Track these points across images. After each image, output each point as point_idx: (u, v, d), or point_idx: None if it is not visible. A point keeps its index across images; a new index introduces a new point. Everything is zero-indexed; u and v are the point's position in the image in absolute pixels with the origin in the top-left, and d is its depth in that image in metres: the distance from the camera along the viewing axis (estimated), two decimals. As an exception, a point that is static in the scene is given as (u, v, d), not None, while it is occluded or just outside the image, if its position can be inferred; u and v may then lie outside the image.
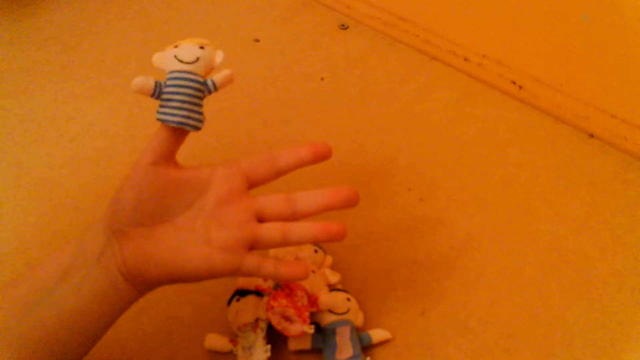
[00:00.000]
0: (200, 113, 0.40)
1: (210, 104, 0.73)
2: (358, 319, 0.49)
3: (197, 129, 0.40)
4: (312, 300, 0.47)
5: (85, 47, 0.83)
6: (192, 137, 0.72)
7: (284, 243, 0.41)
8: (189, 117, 0.39)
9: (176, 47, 0.40)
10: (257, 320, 0.47)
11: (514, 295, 0.53)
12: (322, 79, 0.76)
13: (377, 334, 0.49)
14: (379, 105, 0.72)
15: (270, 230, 0.41)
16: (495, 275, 0.54)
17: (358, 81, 0.76)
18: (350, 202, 0.43)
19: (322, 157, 0.43)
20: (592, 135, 0.67)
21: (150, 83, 0.39)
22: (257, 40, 0.83)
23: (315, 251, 0.52)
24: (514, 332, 0.50)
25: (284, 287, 0.47)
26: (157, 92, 0.39)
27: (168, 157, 0.40)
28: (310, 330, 0.46)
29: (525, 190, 0.61)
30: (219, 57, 0.41)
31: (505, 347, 0.49)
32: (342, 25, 0.85)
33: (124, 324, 0.51)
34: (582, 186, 0.62)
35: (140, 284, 0.40)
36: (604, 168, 0.64)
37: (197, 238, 0.40)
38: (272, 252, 0.52)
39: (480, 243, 0.57)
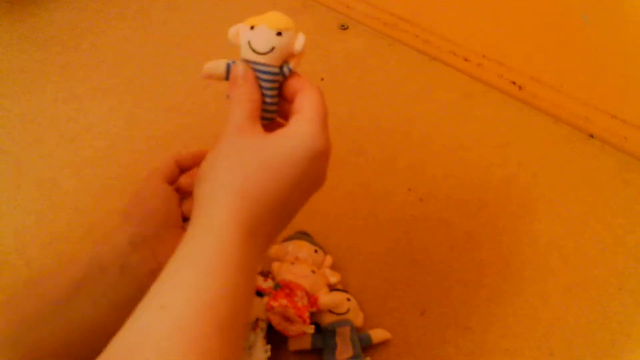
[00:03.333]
0: (274, 103, 0.37)
1: (210, 104, 0.73)
2: (358, 319, 0.49)
3: (270, 120, 0.38)
4: (312, 300, 0.47)
5: (85, 47, 0.83)
6: (192, 138, 0.72)
7: None
8: (261, 110, 0.37)
9: (252, 28, 0.36)
10: (257, 320, 0.47)
11: (515, 295, 0.53)
12: (322, 79, 0.76)
13: (377, 334, 0.49)
14: (379, 105, 0.72)
15: None
16: (495, 275, 0.54)
17: (358, 81, 0.76)
18: None
19: None
20: (592, 136, 0.67)
21: (221, 69, 0.37)
22: (257, 41, 0.83)
23: (316, 251, 0.52)
24: (514, 332, 0.50)
25: (284, 287, 0.47)
26: (229, 75, 0.37)
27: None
28: (310, 330, 0.46)
29: (525, 190, 0.61)
30: (298, 44, 0.36)
31: (505, 347, 0.49)
32: (342, 26, 0.84)
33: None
34: (582, 186, 0.62)
35: None
36: (604, 168, 0.64)
37: None
38: (272, 253, 0.52)
39: (480, 243, 0.57)
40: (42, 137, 0.70)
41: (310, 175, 0.34)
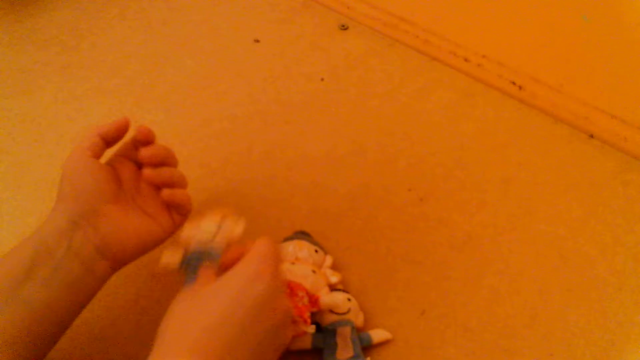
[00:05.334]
0: None
1: (211, 104, 0.73)
2: (358, 319, 0.49)
3: None
4: (313, 300, 0.47)
5: (85, 48, 0.83)
6: (192, 138, 0.72)
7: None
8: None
9: (198, 223, 0.44)
10: (257, 320, 0.47)
11: (514, 295, 0.53)
12: (322, 79, 0.76)
13: (377, 334, 0.49)
14: (379, 106, 0.72)
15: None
16: (495, 275, 0.54)
17: (358, 82, 0.76)
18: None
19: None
20: (592, 136, 0.67)
21: (176, 263, 0.43)
22: (257, 41, 0.83)
23: (316, 251, 0.52)
24: (514, 332, 0.50)
25: (285, 287, 0.47)
26: (183, 265, 0.43)
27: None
28: (311, 330, 0.46)
29: (525, 190, 0.61)
30: (239, 227, 0.45)
31: (505, 347, 0.49)
32: (342, 26, 0.85)
33: (125, 324, 0.52)
34: (582, 186, 0.62)
35: (119, 258, 0.43)
36: (604, 168, 0.64)
37: (138, 210, 0.46)
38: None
39: (480, 243, 0.57)
40: (42, 137, 0.70)
41: (251, 294, 0.37)
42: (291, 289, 0.47)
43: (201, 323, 0.35)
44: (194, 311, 0.36)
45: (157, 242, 0.46)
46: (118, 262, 0.44)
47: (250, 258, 0.39)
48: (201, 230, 0.44)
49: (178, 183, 0.48)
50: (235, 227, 0.44)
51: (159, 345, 0.36)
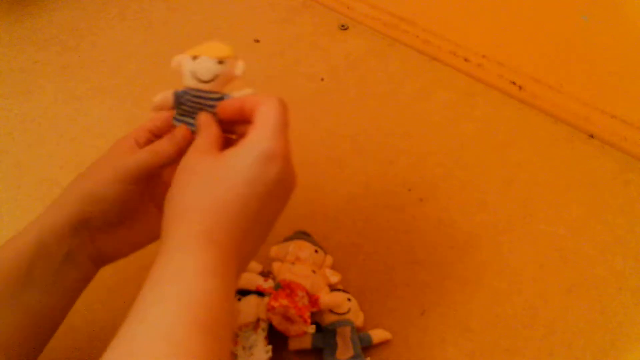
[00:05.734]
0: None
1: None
2: (358, 319, 0.49)
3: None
4: (313, 300, 0.47)
5: (85, 48, 0.83)
6: (192, 138, 0.72)
7: None
8: None
9: (195, 58, 0.40)
10: (258, 320, 0.47)
11: (514, 295, 0.53)
12: (322, 79, 0.76)
13: (377, 334, 0.49)
14: (379, 106, 0.72)
15: None
16: (495, 275, 0.54)
17: (358, 82, 0.76)
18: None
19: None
20: (592, 136, 0.67)
21: (169, 100, 0.40)
22: (257, 41, 0.83)
23: (316, 251, 0.52)
24: (514, 332, 0.50)
25: (285, 287, 0.47)
26: (177, 103, 0.41)
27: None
28: (311, 330, 0.46)
29: (525, 191, 0.62)
30: (239, 69, 0.40)
31: (505, 347, 0.49)
32: (342, 26, 0.85)
33: (124, 324, 0.51)
34: (582, 186, 0.62)
35: (109, 262, 0.43)
36: (604, 168, 0.64)
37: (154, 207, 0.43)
38: (272, 253, 0.52)
39: (480, 243, 0.57)
40: (42, 137, 0.70)
41: (266, 179, 0.35)
42: (291, 289, 0.47)
43: (215, 207, 0.34)
44: (205, 189, 0.35)
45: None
46: (103, 265, 0.43)
47: (261, 131, 0.36)
48: (197, 65, 0.39)
49: None
50: (236, 68, 0.40)
51: (170, 228, 0.34)
